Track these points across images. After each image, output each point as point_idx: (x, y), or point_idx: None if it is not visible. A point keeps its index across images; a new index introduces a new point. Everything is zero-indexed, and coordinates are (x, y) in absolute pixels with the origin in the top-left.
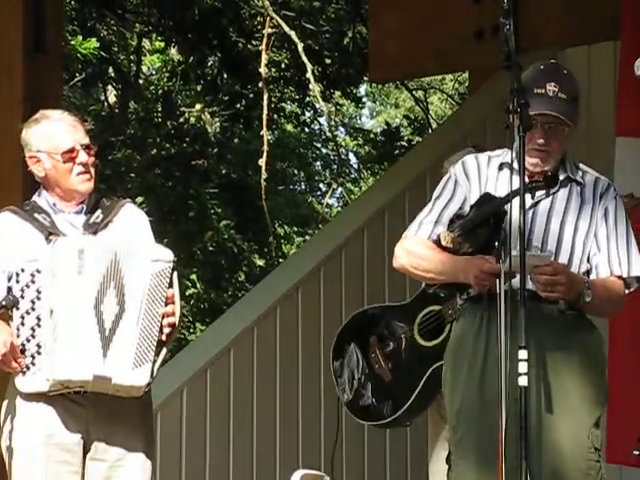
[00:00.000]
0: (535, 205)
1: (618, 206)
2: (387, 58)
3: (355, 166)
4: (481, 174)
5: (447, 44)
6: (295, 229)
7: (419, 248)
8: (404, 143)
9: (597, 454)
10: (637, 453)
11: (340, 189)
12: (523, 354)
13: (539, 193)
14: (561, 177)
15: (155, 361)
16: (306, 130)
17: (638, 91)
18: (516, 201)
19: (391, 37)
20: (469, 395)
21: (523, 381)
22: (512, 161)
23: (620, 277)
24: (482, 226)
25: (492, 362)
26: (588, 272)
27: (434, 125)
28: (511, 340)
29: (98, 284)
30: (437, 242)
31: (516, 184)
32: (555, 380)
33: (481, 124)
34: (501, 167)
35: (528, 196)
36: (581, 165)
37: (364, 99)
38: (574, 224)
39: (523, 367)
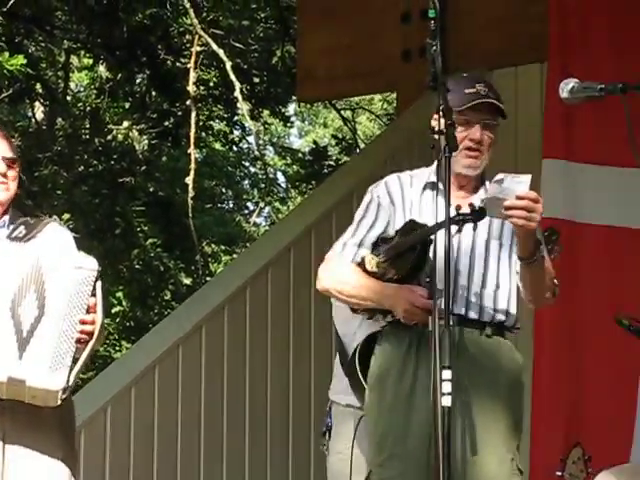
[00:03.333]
0: (459, 231)
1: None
2: (315, 77)
3: (283, 185)
4: (405, 196)
5: (375, 64)
6: (223, 248)
7: (343, 271)
8: (332, 162)
9: (520, 476)
10: (560, 474)
11: (268, 208)
12: (447, 374)
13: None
14: (477, 203)
15: (72, 368)
16: (234, 149)
17: (564, 113)
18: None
19: (319, 57)
20: (396, 418)
21: (446, 401)
22: (445, 184)
23: None
24: (408, 253)
25: (421, 387)
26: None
27: (362, 145)
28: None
29: (17, 286)
30: (361, 264)
31: (442, 207)
32: (480, 403)
33: (408, 144)
34: (425, 188)
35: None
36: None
37: (293, 118)
38: (497, 250)
39: (447, 387)
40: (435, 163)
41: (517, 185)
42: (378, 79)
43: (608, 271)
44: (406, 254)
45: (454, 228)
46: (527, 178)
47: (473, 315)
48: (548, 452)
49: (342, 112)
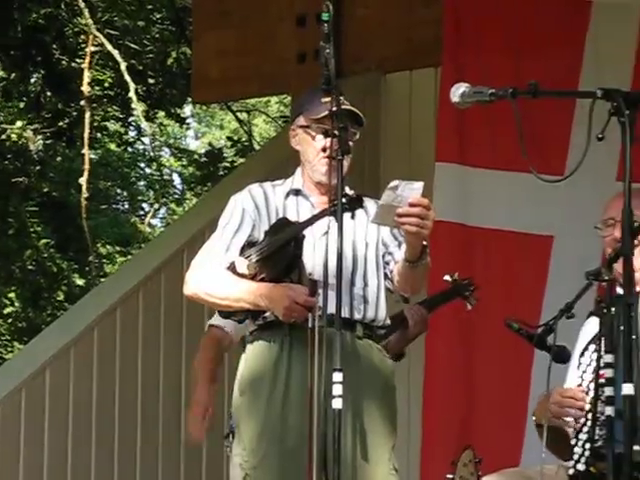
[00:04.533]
0: (327, 233)
1: None
2: (210, 79)
3: (179, 187)
4: (269, 202)
5: (270, 67)
6: (117, 249)
7: (213, 274)
8: (227, 164)
9: (397, 475)
10: (450, 477)
11: (163, 209)
12: (338, 377)
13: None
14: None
15: None
16: (130, 150)
17: (457, 117)
18: (311, 228)
19: (214, 58)
20: (271, 420)
21: (337, 404)
22: (338, 180)
23: None
24: (281, 251)
25: (295, 387)
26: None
27: (257, 147)
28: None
29: None
30: (230, 268)
31: (307, 208)
32: (356, 405)
33: None
34: (288, 195)
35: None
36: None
37: (189, 120)
38: (364, 241)
39: (338, 389)
40: (298, 171)
41: (410, 192)
42: (273, 81)
43: (499, 274)
44: (279, 252)
45: (322, 229)
46: (420, 185)
47: (344, 314)
48: (439, 455)
49: (238, 114)
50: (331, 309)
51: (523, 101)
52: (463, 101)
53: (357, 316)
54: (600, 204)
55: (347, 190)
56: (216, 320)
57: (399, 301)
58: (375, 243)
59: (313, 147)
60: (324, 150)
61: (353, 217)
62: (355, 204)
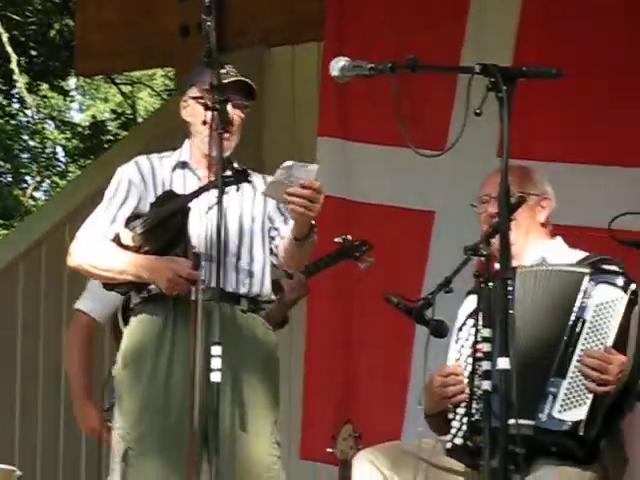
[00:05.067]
0: (211, 208)
1: None
2: (93, 51)
3: (63, 159)
4: (155, 174)
5: (153, 39)
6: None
7: (98, 246)
8: (111, 137)
9: (278, 448)
10: (331, 451)
11: (47, 182)
12: (217, 350)
13: (229, 188)
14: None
15: None
16: (12, 122)
17: (340, 92)
18: (197, 201)
19: (97, 30)
20: (154, 394)
21: (216, 377)
22: (219, 158)
23: None
24: (166, 223)
25: (178, 361)
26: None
27: (141, 120)
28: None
29: None
30: (115, 240)
31: (194, 181)
32: (239, 378)
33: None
34: (175, 168)
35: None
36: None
37: (73, 93)
38: (251, 215)
39: (216, 363)
40: (186, 143)
41: (304, 174)
42: (156, 54)
43: (380, 249)
44: (164, 224)
45: (208, 202)
46: (314, 168)
47: (229, 288)
48: (319, 429)
49: (123, 87)
50: (215, 283)
51: (405, 76)
52: (342, 75)
53: (243, 290)
54: (481, 180)
55: (235, 164)
56: (82, 304)
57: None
58: (262, 217)
59: (204, 117)
60: (204, 123)
61: (238, 190)
62: (240, 177)
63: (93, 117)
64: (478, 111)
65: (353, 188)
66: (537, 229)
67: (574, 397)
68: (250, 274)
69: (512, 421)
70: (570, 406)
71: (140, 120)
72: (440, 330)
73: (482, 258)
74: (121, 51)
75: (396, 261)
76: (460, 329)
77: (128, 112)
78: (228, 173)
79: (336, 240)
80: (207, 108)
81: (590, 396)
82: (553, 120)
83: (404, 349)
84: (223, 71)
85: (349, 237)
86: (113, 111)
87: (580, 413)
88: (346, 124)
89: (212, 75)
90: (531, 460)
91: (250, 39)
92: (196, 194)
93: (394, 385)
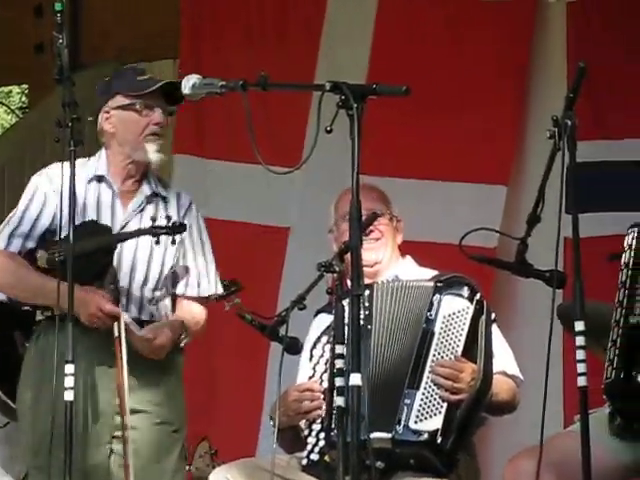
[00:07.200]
0: (157, 241)
1: (200, 222)
2: None
3: None
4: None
5: (8, 57)
6: None
7: (11, 265)
8: None
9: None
10: (187, 469)
11: None
12: (70, 368)
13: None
14: (147, 192)
15: None
16: None
17: (194, 110)
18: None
19: None
20: (44, 418)
21: (69, 396)
22: (70, 178)
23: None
24: (91, 257)
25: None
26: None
27: None
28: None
29: None
30: (31, 259)
31: (109, 196)
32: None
33: (40, 138)
34: (91, 180)
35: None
36: (159, 175)
37: None
38: (163, 245)
39: (69, 381)
40: (102, 154)
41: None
42: (11, 72)
43: (236, 266)
44: (89, 257)
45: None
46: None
47: (134, 314)
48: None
49: None
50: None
51: (260, 94)
52: (194, 92)
53: (144, 317)
54: (335, 196)
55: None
56: None
57: None
58: (174, 250)
59: (136, 124)
60: (157, 124)
61: (174, 243)
62: (177, 230)
63: None
64: (329, 129)
65: (209, 206)
66: (396, 249)
67: (429, 407)
68: (153, 301)
69: (372, 435)
70: (425, 416)
71: None
72: (294, 347)
73: (335, 275)
74: None
75: (251, 277)
76: (314, 346)
77: None
78: (163, 223)
79: None
80: (60, 126)
81: (444, 405)
82: (403, 136)
83: (258, 366)
84: (144, 77)
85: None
86: None
87: (436, 422)
88: (201, 141)
89: (64, 92)
90: (388, 474)
91: (105, 56)
92: (127, 237)
93: (249, 401)
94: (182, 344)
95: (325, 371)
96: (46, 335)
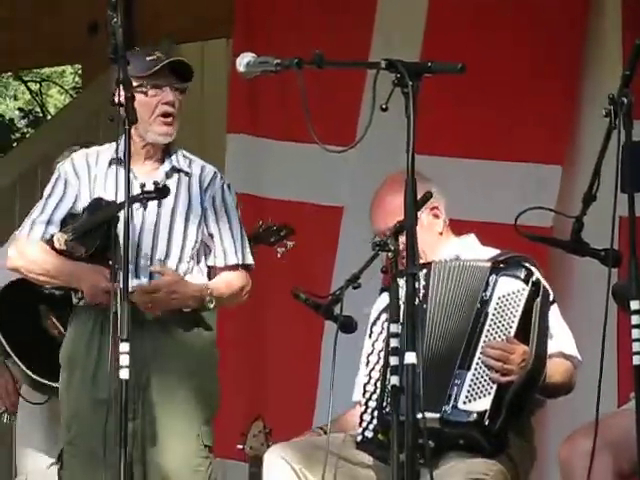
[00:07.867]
0: (144, 208)
1: (226, 193)
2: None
3: None
4: (91, 172)
5: (61, 36)
6: None
7: (32, 250)
8: (19, 135)
9: (206, 450)
10: (241, 447)
11: None
12: (125, 347)
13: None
14: (167, 167)
15: None
16: None
17: (249, 88)
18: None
19: (2, 27)
20: (83, 396)
21: (124, 374)
22: (125, 156)
23: (237, 265)
24: (95, 231)
25: (104, 364)
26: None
27: None
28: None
29: None
30: (50, 242)
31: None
32: (165, 379)
33: (94, 117)
34: (111, 163)
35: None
36: (185, 153)
37: None
38: (184, 218)
39: (125, 360)
40: (123, 137)
41: None
42: (63, 51)
43: (295, 246)
44: (93, 232)
45: (138, 205)
46: None
47: None
48: (230, 426)
49: (32, 85)
50: (140, 280)
51: (313, 73)
52: (249, 71)
53: None
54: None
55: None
56: None
57: None
58: (198, 221)
59: (146, 105)
60: (167, 103)
61: (160, 205)
62: (161, 193)
63: (1, 115)
64: (384, 107)
65: (263, 185)
66: (437, 234)
67: (478, 388)
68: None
69: (420, 415)
70: (475, 397)
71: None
72: (348, 326)
73: (389, 254)
74: (28, 48)
75: (305, 257)
76: (374, 323)
77: (37, 110)
78: (150, 188)
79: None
80: (114, 104)
81: (494, 387)
82: (458, 116)
83: (313, 344)
84: (154, 57)
85: (267, 222)
86: (20, 109)
87: (484, 403)
88: (255, 121)
89: (119, 70)
90: (439, 453)
91: (159, 36)
92: (123, 205)
93: (304, 380)
94: (211, 306)
95: (382, 349)
96: (79, 317)
